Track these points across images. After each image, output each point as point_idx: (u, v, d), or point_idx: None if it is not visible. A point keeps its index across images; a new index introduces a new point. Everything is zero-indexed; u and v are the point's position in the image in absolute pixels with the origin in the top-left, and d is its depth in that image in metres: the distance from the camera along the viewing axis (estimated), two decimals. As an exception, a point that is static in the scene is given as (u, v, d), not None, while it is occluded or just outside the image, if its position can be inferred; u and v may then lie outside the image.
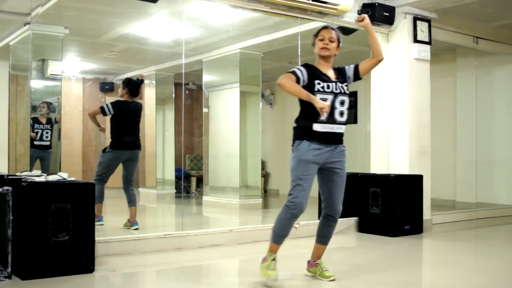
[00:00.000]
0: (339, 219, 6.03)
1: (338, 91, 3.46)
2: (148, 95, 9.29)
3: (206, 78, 8.70)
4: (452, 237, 5.94)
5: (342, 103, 3.47)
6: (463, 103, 8.23)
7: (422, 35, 6.27)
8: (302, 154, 3.40)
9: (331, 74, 3.53)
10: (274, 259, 3.45)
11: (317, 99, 3.31)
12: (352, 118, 9.17)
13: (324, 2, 5.38)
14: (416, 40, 6.21)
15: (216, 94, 8.88)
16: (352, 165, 9.04)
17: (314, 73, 3.45)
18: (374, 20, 5.96)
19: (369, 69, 3.65)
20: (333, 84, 3.46)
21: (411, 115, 6.20)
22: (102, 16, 6.49)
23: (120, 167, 5.62)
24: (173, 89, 9.32)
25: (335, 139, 3.48)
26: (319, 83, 3.41)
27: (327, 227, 3.64)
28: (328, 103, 3.36)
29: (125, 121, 5.53)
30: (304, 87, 3.38)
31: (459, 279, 3.91)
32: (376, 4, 5.92)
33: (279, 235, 3.47)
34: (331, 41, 3.51)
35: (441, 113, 8.09)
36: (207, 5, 5.77)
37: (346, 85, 3.55)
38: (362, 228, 5.90)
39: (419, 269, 4.43)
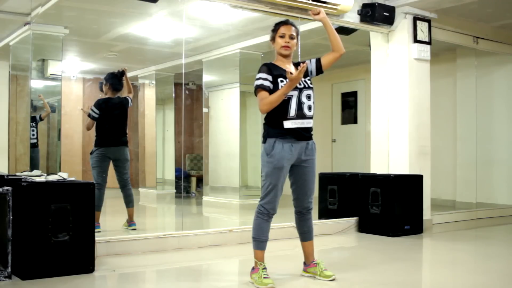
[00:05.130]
0: (339, 219, 6.07)
1: (302, 85, 3.44)
2: (148, 95, 9.29)
3: (206, 78, 8.70)
4: (452, 237, 5.94)
5: (308, 97, 3.46)
6: (463, 103, 8.22)
7: (422, 35, 6.27)
8: (276, 161, 3.39)
9: (292, 69, 3.51)
10: (264, 268, 3.44)
11: (287, 82, 3.30)
12: (352, 118, 9.16)
13: (324, 2, 5.38)
14: (416, 40, 6.22)
15: (216, 94, 8.88)
16: (352, 165, 9.11)
17: (276, 73, 3.43)
18: (374, 20, 5.96)
19: (331, 63, 3.62)
20: None
21: (411, 115, 6.20)
22: (102, 16, 6.49)
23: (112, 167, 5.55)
24: (173, 89, 9.31)
25: (306, 135, 3.47)
26: (282, 81, 3.39)
27: (304, 221, 3.63)
28: (294, 99, 3.38)
29: (109, 118, 5.45)
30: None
31: (459, 279, 3.91)
32: (376, 4, 5.92)
33: (260, 240, 3.48)
34: (292, 38, 3.50)
35: (441, 113, 8.09)
36: (207, 5, 5.77)
37: (309, 79, 3.54)
38: (362, 228, 5.90)
39: (419, 269, 4.43)
